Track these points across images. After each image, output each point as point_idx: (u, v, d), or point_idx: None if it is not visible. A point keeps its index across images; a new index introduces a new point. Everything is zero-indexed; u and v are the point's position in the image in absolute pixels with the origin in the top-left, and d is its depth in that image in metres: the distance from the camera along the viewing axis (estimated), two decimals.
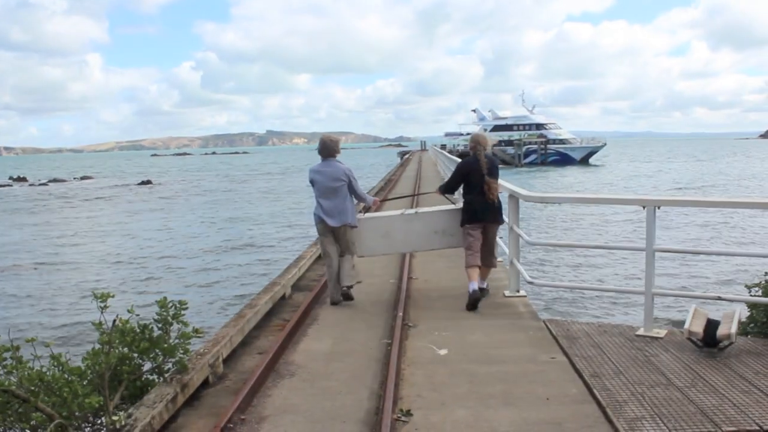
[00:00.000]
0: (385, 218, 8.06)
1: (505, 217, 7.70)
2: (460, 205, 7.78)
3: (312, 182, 7.64)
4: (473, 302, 7.20)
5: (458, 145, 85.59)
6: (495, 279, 8.61)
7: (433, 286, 8.53)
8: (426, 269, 9.53)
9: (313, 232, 8.36)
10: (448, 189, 8.11)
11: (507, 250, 7.97)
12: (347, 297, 7.63)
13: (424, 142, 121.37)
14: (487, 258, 7.60)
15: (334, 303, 7.67)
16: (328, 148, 7.59)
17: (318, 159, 7.69)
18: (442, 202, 8.45)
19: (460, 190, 7.93)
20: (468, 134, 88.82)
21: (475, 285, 7.24)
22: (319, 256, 9.50)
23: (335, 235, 7.62)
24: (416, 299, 7.79)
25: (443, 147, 74.00)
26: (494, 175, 7.41)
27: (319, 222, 7.61)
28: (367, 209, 8.91)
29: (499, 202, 7.55)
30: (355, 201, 7.86)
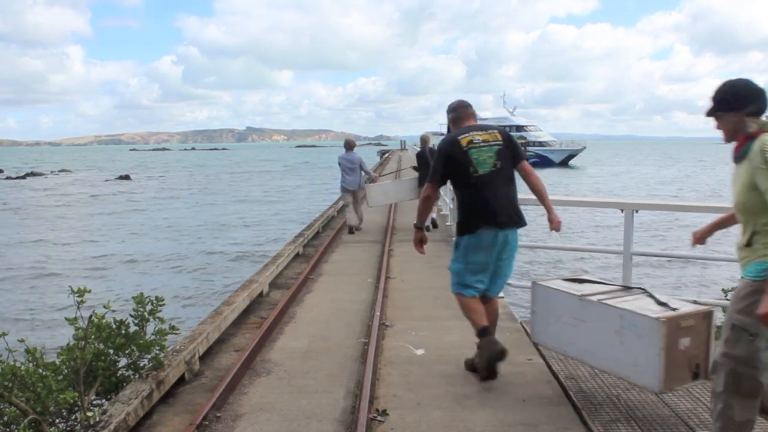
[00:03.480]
0: (384, 183, 13.82)
1: None
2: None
3: (339, 164, 13.28)
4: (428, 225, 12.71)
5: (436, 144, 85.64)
6: None
7: (411, 285, 8.55)
8: (403, 269, 9.56)
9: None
10: (417, 168, 13.70)
11: None
12: (352, 231, 13.32)
13: (404, 141, 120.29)
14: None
15: (350, 230, 13.41)
16: (349, 145, 13.45)
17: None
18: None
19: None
20: None
21: None
22: (297, 254, 11.18)
23: (352, 194, 13.20)
24: (394, 299, 7.81)
25: None
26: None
27: (343, 187, 13.30)
28: (372, 180, 14.24)
29: None
30: (364, 174, 13.46)
